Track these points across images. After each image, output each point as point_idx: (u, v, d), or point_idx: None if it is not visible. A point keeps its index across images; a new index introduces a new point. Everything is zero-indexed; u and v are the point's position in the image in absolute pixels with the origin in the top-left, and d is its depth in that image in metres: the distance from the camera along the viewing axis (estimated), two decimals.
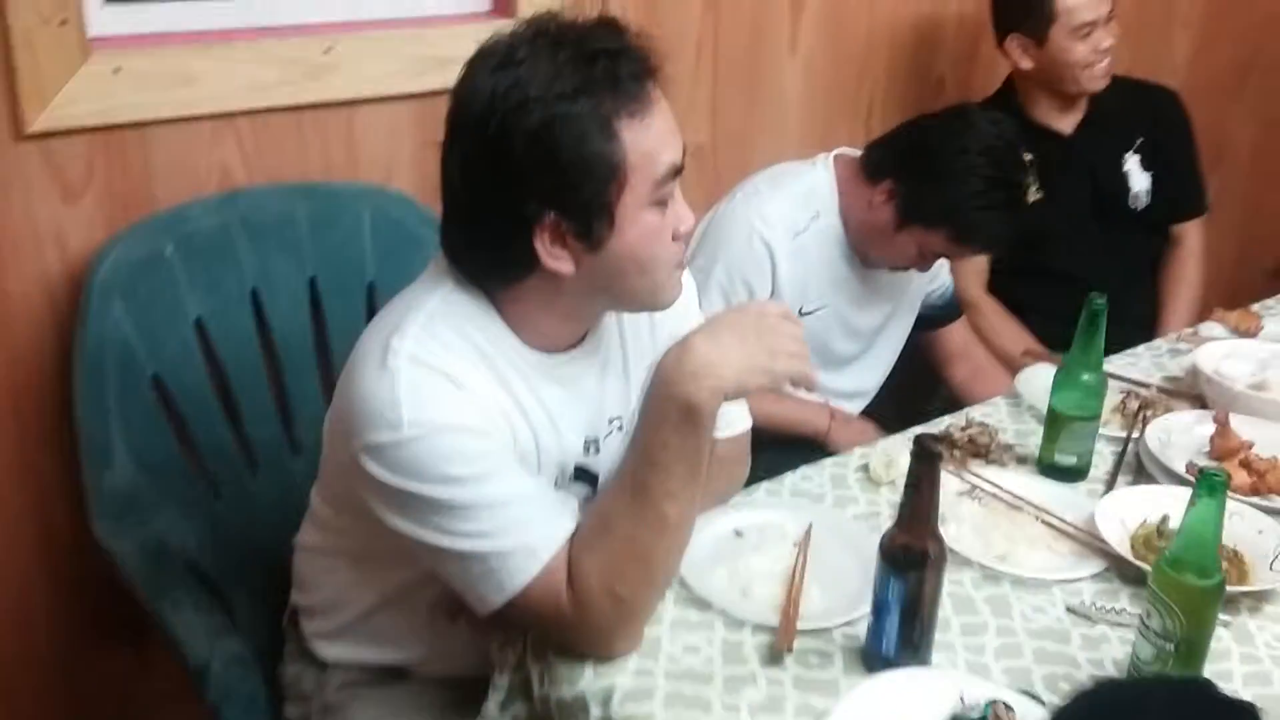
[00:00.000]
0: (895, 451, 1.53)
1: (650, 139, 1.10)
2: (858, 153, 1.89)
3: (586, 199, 1.09)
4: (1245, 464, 1.50)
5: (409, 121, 1.88)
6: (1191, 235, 2.41)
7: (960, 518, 1.41)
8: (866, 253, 1.86)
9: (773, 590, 1.28)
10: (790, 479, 1.52)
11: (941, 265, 1.99)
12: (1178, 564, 1.10)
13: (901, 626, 1.13)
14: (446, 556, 1.14)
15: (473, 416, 1.13)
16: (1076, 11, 2.15)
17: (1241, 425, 1.56)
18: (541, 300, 1.18)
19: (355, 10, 1.83)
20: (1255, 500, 1.44)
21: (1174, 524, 1.38)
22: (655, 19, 2.04)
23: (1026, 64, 2.23)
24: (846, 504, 1.48)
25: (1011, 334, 2.24)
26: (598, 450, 1.31)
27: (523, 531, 1.13)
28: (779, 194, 1.78)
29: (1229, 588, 1.24)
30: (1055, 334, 2.24)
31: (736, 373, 1.10)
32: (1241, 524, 1.38)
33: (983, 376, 2.05)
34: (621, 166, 1.09)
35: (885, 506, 1.47)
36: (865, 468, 1.54)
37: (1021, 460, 1.58)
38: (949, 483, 1.49)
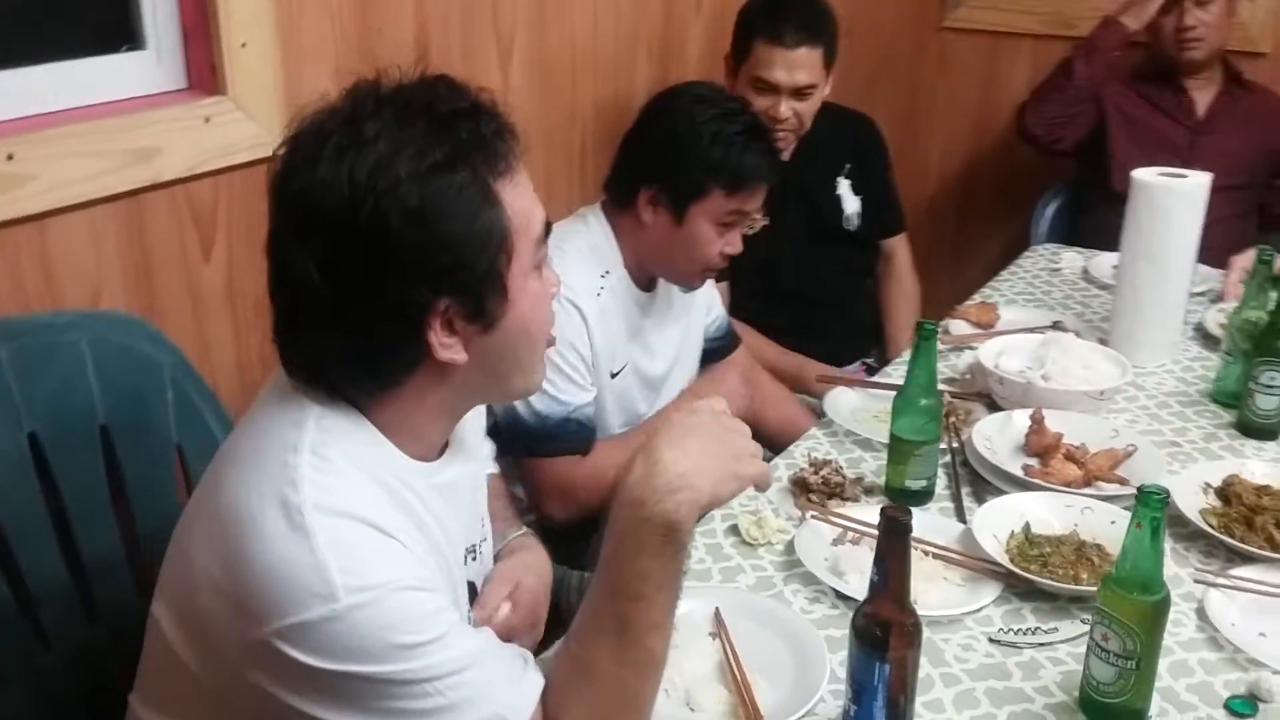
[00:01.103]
0: (762, 510, 1.48)
1: (525, 197, 1.01)
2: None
3: (480, 275, 0.98)
4: (1070, 457, 1.59)
5: (116, 227, 1.58)
6: (899, 249, 2.61)
7: (855, 567, 1.38)
8: (667, 275, 1.80)
9: (717, 694, 1.19)
10: None
11: (714, 297, 1.97)
12: (1125, 583, 1.12)
13: (889, 708, 1.07)
14: None
15: (411, 568, 0.95)
16: (759, 64, 2.20)
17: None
18: (419, 401, 1.02)
19: (37, 102, 1.50)
20: (1089, 491, 1.53)
21: (1037, 529, 1.44)
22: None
23: (728, 86, 2.28)
24: (735, 575, 1.40)
25: (770, 350, 2.29)
26: (475, 558, 1.18)
27: (488, 699, 0.95)
28: (568, 259, 1.67)
29: (1099, 589, 1.30)
30: (790, 349, 2.33)
31: (712, 483, 0.99)
32: (1093, 518, 1.46)
33: (771, 401, 2.05)
34: (508, 232, 0.99)
35: (772, 569, 1.41)
36: (735, 529, 1.47)
37: (869, 491, 1.58)
38: (820, 530, 1.47)
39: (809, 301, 2.42)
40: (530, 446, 1.69)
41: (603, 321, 1.71)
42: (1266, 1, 2.84)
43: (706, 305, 1.94)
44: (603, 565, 1.00)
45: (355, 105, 0.97)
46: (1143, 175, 1.93)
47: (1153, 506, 1.09)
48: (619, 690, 0.99)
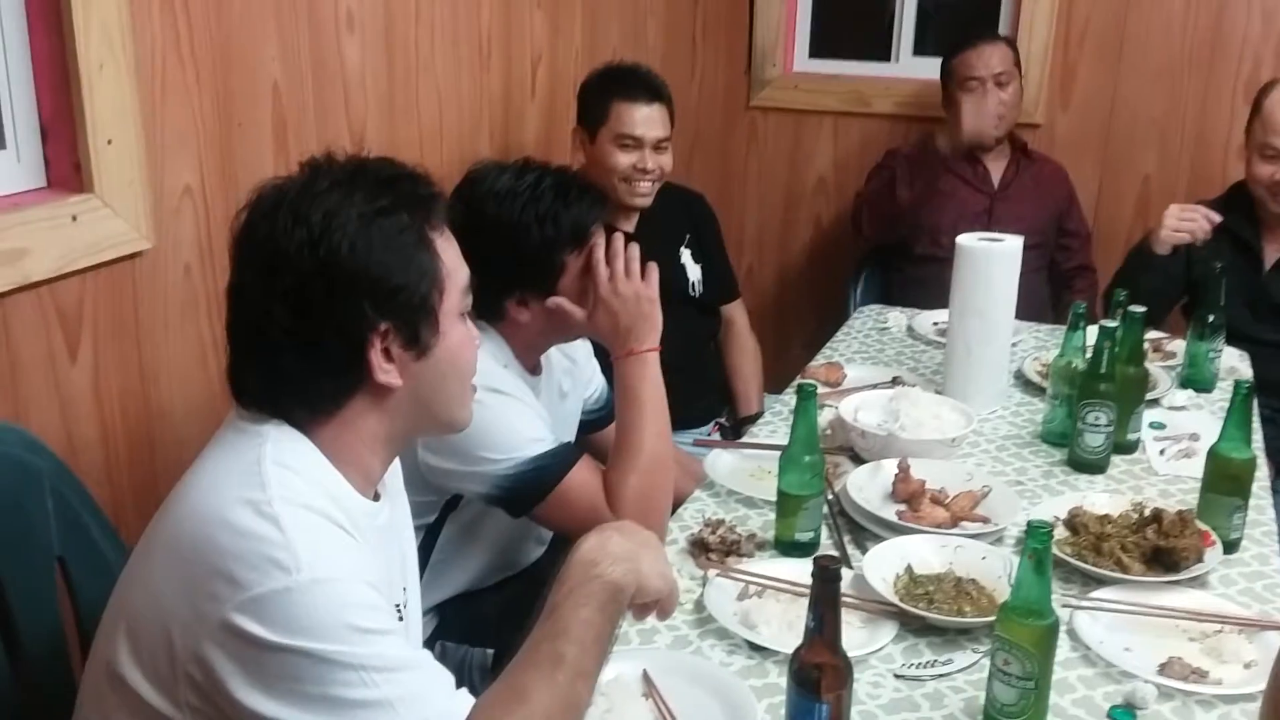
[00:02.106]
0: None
1: (452, 251, 1.19)
2: None
3: (416, 303, 1.13)
4: (935, 500, 1.73)
5: None
6: (738, 314, 2.80)
7: (764, 619, 1.45)
8: (560, 342, 1.84)
9: None
10: None
11: (596, 368, 2.01)
12: (1020, 610, 1.24)
13: None
14: None
15: (368, 566, 1.06)
16: (622, 121, 2.38)
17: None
18: (360, 426, 1.15)
19: None
20: (957, 531, 1.67)
21: (918, 570, 1.56)
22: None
23: (583, 158, 2.44)
24: (653, 637, 1.45)
25: None
26: (401, 618, 1.20)
27: (424, 703, 1.01)
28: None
29: (983, 619, 1.43)
30: None
31: (648, 568, 1.18)
32: (966, 555, 1.59)
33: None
34: (439, 274, 1.15)
35: (685, 628, 1.46)
36: None
37: (761, 546, 1.66)
38: (724, 587, 1.54)
39: (664, 367, 2.50)
40: (543, 484, 1.65)
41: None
42: (1035, 77, 3.18)
43: (588, 379, 1.99)
44: (549, 610, 1.12)
45: (310, 170, 1.14)
46: (966, 241, 2.13)
47: (1039, 539, 1.21)
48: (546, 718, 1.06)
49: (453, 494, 1.72)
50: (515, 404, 1.65)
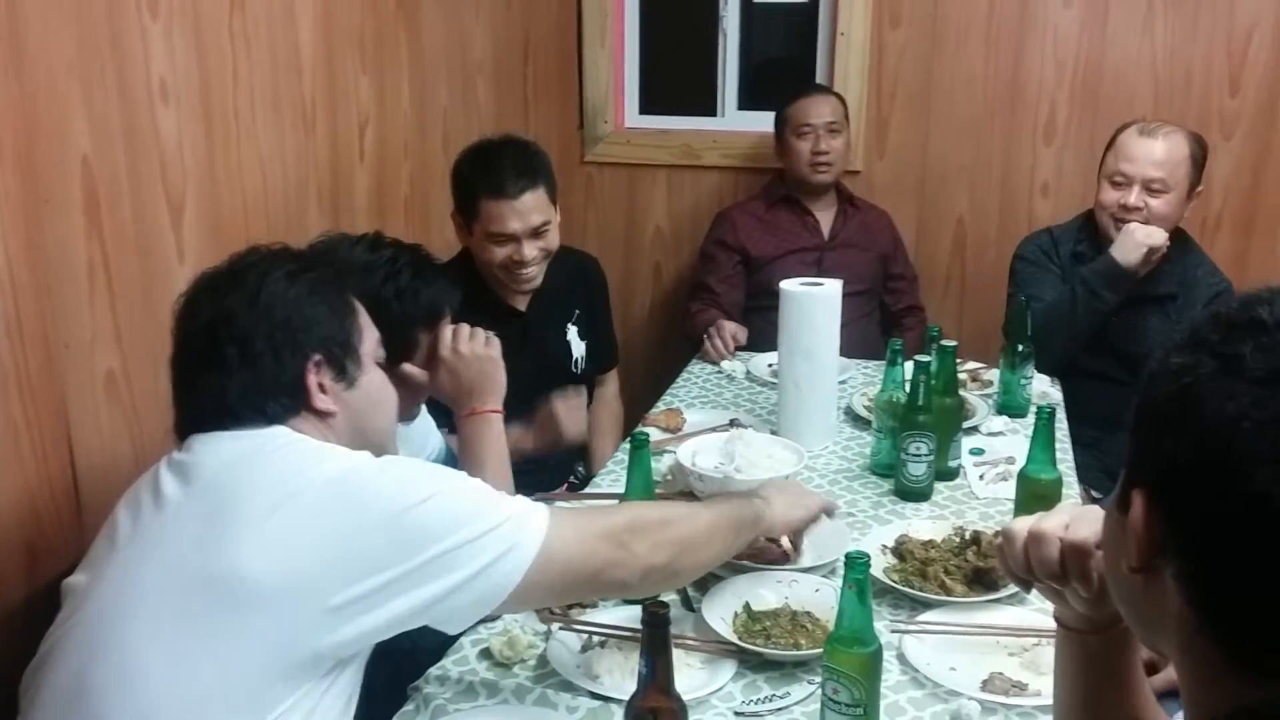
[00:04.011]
0: (511, 629, 1.54)
1: (361, 310, 1.44)
2: None
3: (341, 340, 1.38)
4: (770, 538, 1.77)
5: None
6: (611, 378, 2.77)
7: (606, 668, 1.47)
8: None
9: None
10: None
11: (429, 428, 1.99)
12: (845, 640, 1.29)
13: None
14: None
15: None
16: (493, 220, 2.26)
17: None
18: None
19: None
20: (791, 566, 1.72)
21: (756, 606, 1.60)
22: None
23: (463, 244, 2.37)
24: (523, 695, 1.44)
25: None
26: None
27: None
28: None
29: (817, 650, 1.48)
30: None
31: (795, 515, 1.70)
32: (800, 589, 1.64)
33: None
34: (355, 319, 1.42)
35: (530, 683, 1.47)
36: (487, 652, 1.52)
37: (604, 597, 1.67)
38: (567, 639, 1.55)
39: (537, 442, 2.43)
40: None
41: None
42: (854, 128, 3.33)
43: (422, 441, 1.97)
44: (716, 507, 1.54)
45: (238, 255, 1.40)
46: (789, 286, 2.21)
47: (858, 569, 1.27)
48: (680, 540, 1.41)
49: None
50: None
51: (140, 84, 1.98)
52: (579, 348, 2.59)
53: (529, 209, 2.26)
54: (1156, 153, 2.52)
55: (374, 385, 1.42)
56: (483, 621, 1.57)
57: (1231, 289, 2.65)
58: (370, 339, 1.42)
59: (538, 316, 2.45)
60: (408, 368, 1.70)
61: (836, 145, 3.05)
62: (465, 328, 1.73)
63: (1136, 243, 2.48)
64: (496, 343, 1.76)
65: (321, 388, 1.34)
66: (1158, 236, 2.49)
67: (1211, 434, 0.73)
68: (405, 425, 1.89)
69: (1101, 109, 3.17)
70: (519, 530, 1.25)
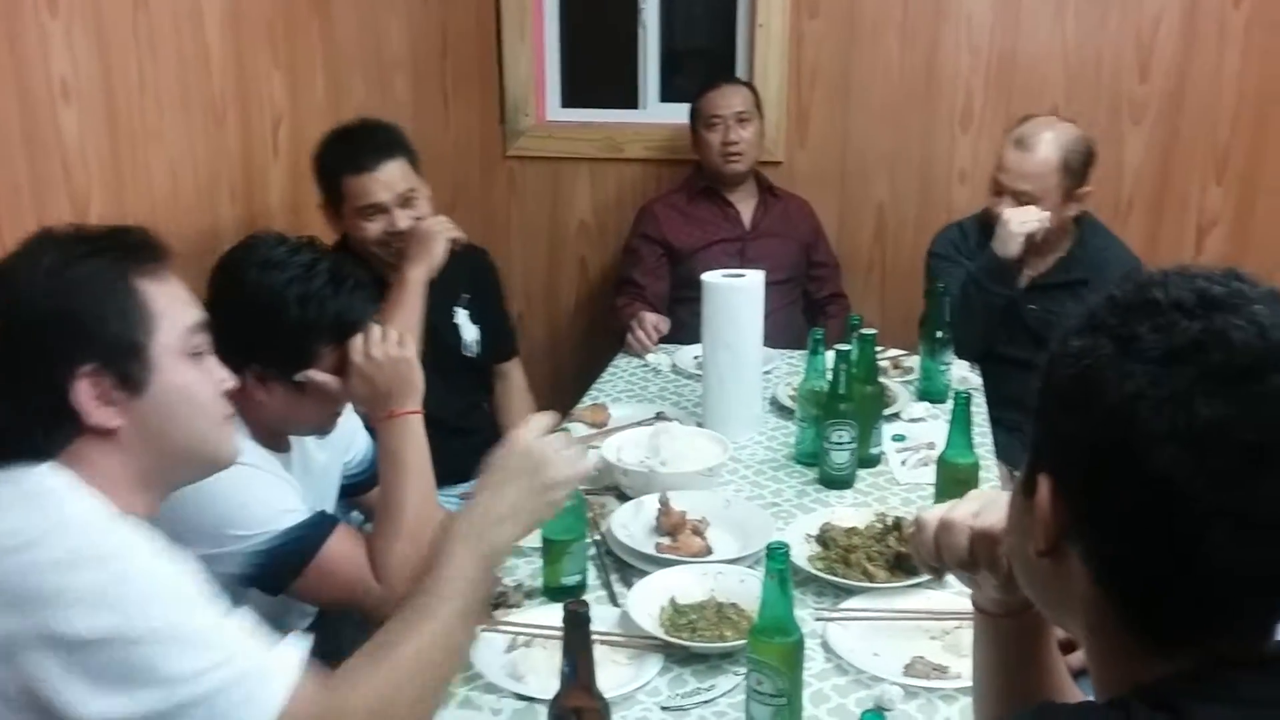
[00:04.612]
0: None
1: (169, 292, 1.23)
2: None
3: (121, 343, 1.17)
4: (695, 531, 1.78)
5: None
6: (514, 371, 2.77)
7: (531, 668, 1.46)
8: (300, 432, 1.76)
9: None
10: None
11: (355, 429, 1.96)
12: (767, 631, 1.29)
13: None
14: None
15: None
16: (358, 195, 2.30)
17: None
18: (97, 468, 1.16)
19: None
20: (715, 558, 1.72)
21: (681, 600, 1.60)
22: None
23: (337, 233, 2.37)
24: (447, 699, 1.39)
25: None
26: None
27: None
28: None
29: (741, 641, 1.49)
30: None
31: (529, 520, 1.31)
32: (725, 580, 1.64)
33: None
34: (144, 310, 1.19)
35: (453, 685, 1.44)
36: None
37: (529, 595, 1.67)
38: (492, 641, 1.54)
39: (434, 428, 2.46)
40: (300, 557, 1.58)
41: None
42: (774, 118, 3.35)
43: (347, 442, 1.94)
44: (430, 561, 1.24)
45: (21, 245, 1.19)
46: (710, 278, 2.22)
47: (778, 560, 1.28)
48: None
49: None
50: (261, 475, 1.59)
51: (40, 83, 1.93)
52: (470, 331, 2.58)
53: (392, 178, 2.32)
54: (1025, 165, 2.58)
55: (174, 386, 1.20)
56: None
57: (1140, 267, 2.70)
58: (173, 330, 1.20)
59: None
60: (318, 375, 1.65)
61: (746, 135, 3.07)
62: (376, 330, 1.68)
63: (1011, 233, 2.54)
64: (411, 341, 1.72)
65: (102, 399, 1.15)
66: (1032, 221, 2.55)
67: (1112, 415, 0.74)
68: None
69: (1015, 97, 3.22)
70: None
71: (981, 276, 2.59)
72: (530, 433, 1.35)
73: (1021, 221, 2.54)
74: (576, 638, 1.14)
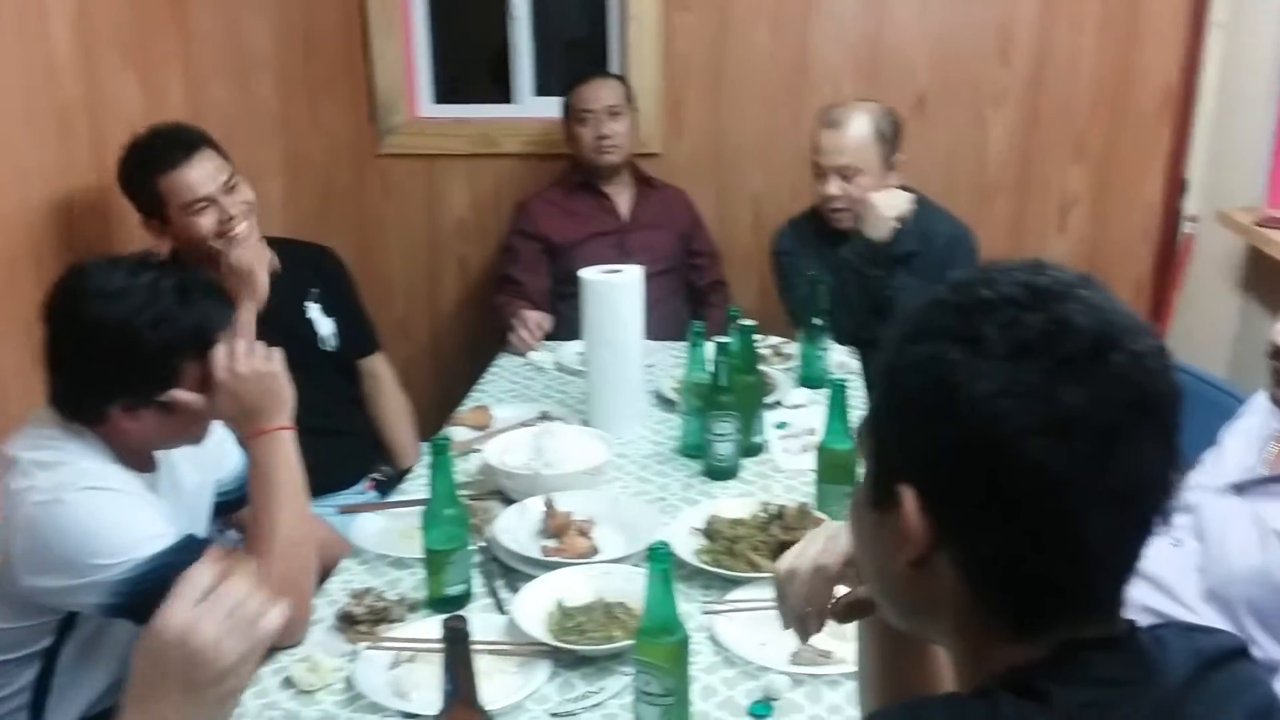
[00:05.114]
0: (313, 654, 1.49)
1: None
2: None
3: None
4: (581, 531, 1.77)
5: None
6: (380, 366, 2.73)
7: (415, 684, 1.43)
8: (177, 445, 1.70)
9: None
10: None
11: (225, 444, 1.89)
12: (652, 631, 1.29)
13: None
14: None
15: None
16: (181, 191, 2.24)
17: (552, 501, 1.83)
18: None
19: None
20: (601, 557, 1.72)
21: (569, 603, 1.59)
22: None
23: (168, 243, 2.29)
24: None
25: None
26: None
27: None
28: (67, 459, 1.55)
29: (631, 640, 1.48)
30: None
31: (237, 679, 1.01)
32: (612, 580, 1.64)
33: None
34: None
35: (335, 709, 1.41)
36: (289, 680, 1.46)
37: (413, 608, 1.64)
38: (375, 658, 1.50)
39: (303, 429, 2.40)
40: (168, 583, 1.49)
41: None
42: (649, 110, 3.35)
43: (217, 459, 1.87)
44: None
45: None
46: (588, 275, 2.20)
47: (659, 560, 1.27)
48: None
49: (68, 612, 1.57)
50: (124, 499, 1.53)
51: None
52: (325, 325, 2.54)
53: (209, 168, 2.28)
54: (842, 141, 2.68)
55: None
56: (284, 648, 1.52)
57: (968, 233, 2.81)
58: None
59: (270, 294, 2.38)
60: (180, 395, 1.59)
61: (619, 128, 3.08)
62: (241, 344, 1.63)
63: (881, 216, 2.62)
64: (277, 355, 1.67)
65: None
66: (899, 203, 2.63)
67: (975, 416, 0.75)
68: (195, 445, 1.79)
69: (884, 84, 3.28)
70: None
71: (857, 262, 2.63)
72: (179, 608, 0.99)
73: (890, 204, 2.61)
74: (456, 653, 1.12)
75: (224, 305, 1.67)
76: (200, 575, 1.01)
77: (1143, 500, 0.77)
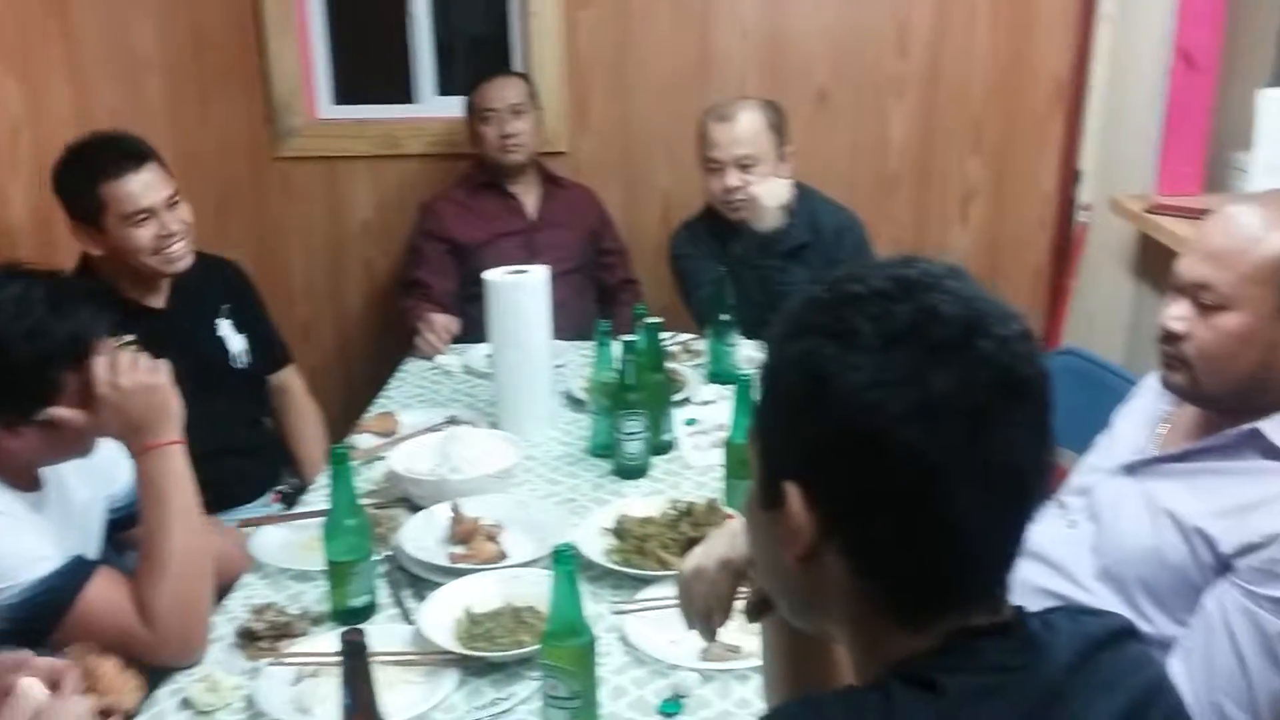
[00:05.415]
0: (212, 673, 1.44)
1: None
2: None
3: None
4: (489, 536, 1.75)
5: None
6: (292, 379, 2.65)
7: (319, 699, 1.40)
8: (69, 459, 1.64)
9: None
10: None
11: (117, 465, 1.82)
12: (558, 635, 1.28)
13: None
14: None
15: None
16: (124, 201, 2.17)
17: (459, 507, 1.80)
18: None
19: None
20: (510, 562, 1.70)
21: (478, 609, 1.57)
22: None
23: (98, 250, 2.19)
24: None
25: None
26: None
27: None
28: None
29: (540, 647, 1.47)
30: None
31: None
32: (521, 585, 1.62)
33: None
34: None
35: None
36: (186, 702, 1.42)
37: (316, 621, 1.60)
38: (277, 675, 1.47)
39: (216, 449, 2.33)
40: (57, 607, 1.46)
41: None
42: (554, 108, 3.33)
43: (109, 477, 1.80)
44: None
45: None
46: (493, 276, 2.18)
47: (564, 562, 1.26)
48: None
49: None
50: (5, 522, 1.47)
51: None
52: (236, 341, 2.47)
53: (154, 180, 2.22)
54: (736, 132, 2.70)
55: None
56: (182, 669, 1.48)
57: (856, 222, 2.85)
58: None
59: (180, 311, 2.33)
60: (60, 412, 1.53)
61: (523, 127, 3.05)
62: (124, 356, 1.57)
63: (765, 207, 2.64)
64: (163, 366, 1.62)
65: None
66: (780, 192, 2.65)
67: (849, 407, 0.76)
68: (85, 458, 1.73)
69: (786, 77, 3.30)
70: None
71: (749, 255, 2.65)
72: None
73: (772, 194, 2.64)
74: (354, 667, 1.09)
75: (100, 312, 1.60)
76: (32, 692, 0.98)
77: (1017, 482, 0.78)
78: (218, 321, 2.43)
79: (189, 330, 2.33)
